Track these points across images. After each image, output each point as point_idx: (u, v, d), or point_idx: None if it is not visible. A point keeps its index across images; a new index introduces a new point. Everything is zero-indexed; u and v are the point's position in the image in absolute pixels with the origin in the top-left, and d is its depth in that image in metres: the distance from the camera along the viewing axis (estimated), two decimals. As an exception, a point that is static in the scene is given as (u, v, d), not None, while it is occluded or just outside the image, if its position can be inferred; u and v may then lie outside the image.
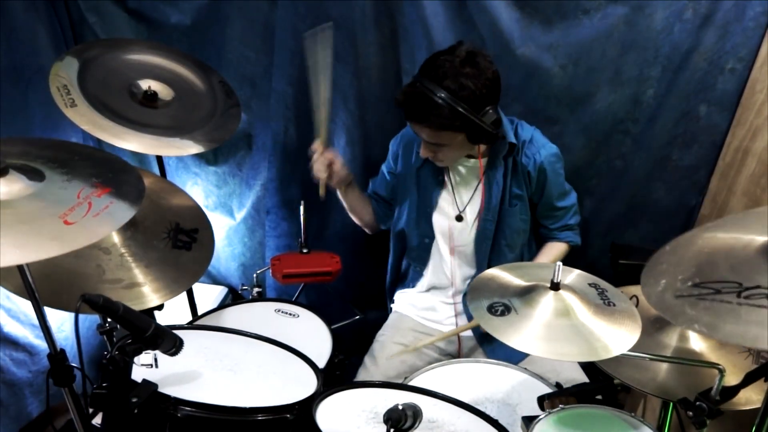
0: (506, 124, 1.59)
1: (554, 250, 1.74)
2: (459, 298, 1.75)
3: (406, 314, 1.82)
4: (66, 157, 1.12)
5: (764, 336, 0.80)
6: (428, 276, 1.79)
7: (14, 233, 0.91)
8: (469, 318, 1.72)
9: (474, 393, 1.39)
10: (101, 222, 0.98)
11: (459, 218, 1.67)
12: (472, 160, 1.64)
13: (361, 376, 1.66)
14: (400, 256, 1.86)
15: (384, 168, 1.83)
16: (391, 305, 1.90)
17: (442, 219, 1.69)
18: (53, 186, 1.02)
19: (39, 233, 0.93)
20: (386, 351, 1.69)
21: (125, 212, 1.04)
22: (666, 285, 0.96)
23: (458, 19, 1.75)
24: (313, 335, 1.56)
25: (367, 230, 1.93)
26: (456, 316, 1.75)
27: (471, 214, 1.67)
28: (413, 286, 1.83)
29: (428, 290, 1.80)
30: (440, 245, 1.73)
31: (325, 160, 1.65)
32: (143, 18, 1.98)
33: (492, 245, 1.67)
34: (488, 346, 1.69)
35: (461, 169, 1.66)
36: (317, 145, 1.66)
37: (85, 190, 1.03)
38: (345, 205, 1.83)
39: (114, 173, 1.13)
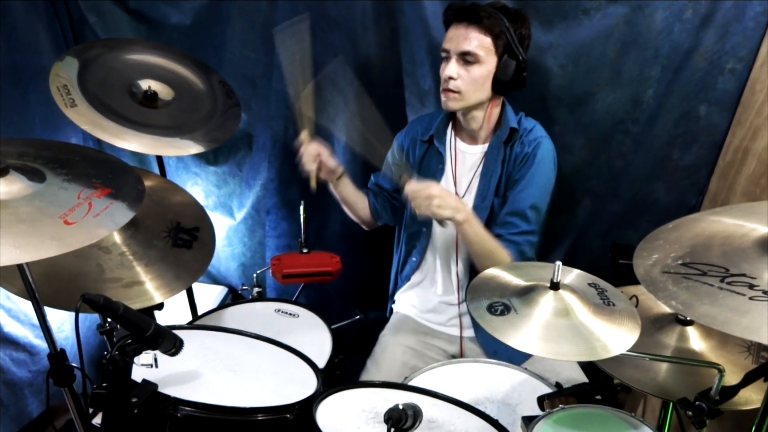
0: (510, 113, 1.63)
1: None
2: (461, 295, 1.73)
3: (407, 315, 1.81)
4: (66, 158, 1.12)
5: (734, 321, 0.82)
6: (423, 269, 1.78)
7: (14, 233, 0.91)
8: (473, 320, 1.71)
9: (474, 393, 1.39)
10: (101, 222, 0.99)
11: None
12: (474, 147, 1.65)
13: (363, 378, 1.65)
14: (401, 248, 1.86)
15: (389, 159, 1.80)
16: (392, 305, 1.90)
17: None
18: (53, 186, 1.03)
19: (39, 233, 0.93)
20: (388, 353, 1.69)
21: (125, 213, 1.04)
22: (657, 260, 0.99)
23: (458, 19, 1.75)
24: (313, 335, 1.56)
25: (364, 227, 1.91)
26: (460, 317, 1.74)
27: (470, 201, 1.66)
28: (408, 280, 1.82)
29: (425, 288, 1.79)
30: (437, 236, 1.72)
31: (313, 151, 1.64)
32: (143, 18, 1.98)
33: None
34: (489, 348, 1.69)
35: (463, 155, 1.66)
36: (303, 137, 1.66)
37: (86, 191, 1.03)
38: (338, 198, 1.81)
39: (114, 174, 1.13)
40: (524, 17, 1.51)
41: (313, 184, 1.68)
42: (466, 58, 1.49)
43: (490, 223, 1.64)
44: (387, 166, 1.67)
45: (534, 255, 1.63)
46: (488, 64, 1.50)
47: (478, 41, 1.47)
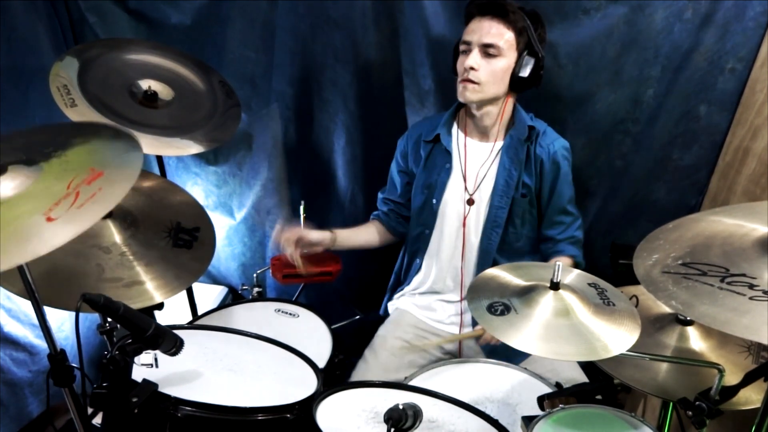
0: (523, 113, 1.64)
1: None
2: (463, 294, 1.72)
3: (407, 311, 1.81)
4: (65, 141, 1.09)
5: (734, 321, 0.82)
6: (425, 269, 1.77)
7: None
8: (472, 319, 1.71)
9: (474, 393, 1.39)
10: (84, 213, 0.93)
11: (470, 201, 1.66)
12: (485, 144, 1.65)
13: (361, 368, 1.65)
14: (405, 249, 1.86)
15: (393, 169, 1.82)
16: (388, 303, 1.89)
17: (449, 206, 1.68)
18: (48, 177, 0.98)
19: (18, 236, 0.88)
20: (387, 345, 1.69)
21: (112, 197, 0.97)
22: (657, 260, 1.00)
23: (458, 18, 1.75)
24: (313, 335, 1.56)
25: (386, 245, 1.90)
26: (461, 314, 1.74)
27: (482, 198, 1.65)
28: (409, 282, 1.82)
29: (426, 287, 1.78)
30: (442, 236, 1.71)
31: (292, 238, 1.65)
32: (143, 18, 1.98)
33: (503, 235, 1.65)
34: (487, 347, 1.68)
35: (473, 153, 1.66)
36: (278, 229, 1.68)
37: (77, 179, 0.97)
38: (346, 249, 1.80)
39: (113, 152, 1.07)
40: (542, 21, 1.54)
41: (300, 267, 1.69)
42: (488, 51, 1.50)
43: (509, 222, 1.65)
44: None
45: (582, 233, 1.74)
46: (509, 58, 1.51)
47: (501, 35, 1.49)
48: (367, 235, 1.85)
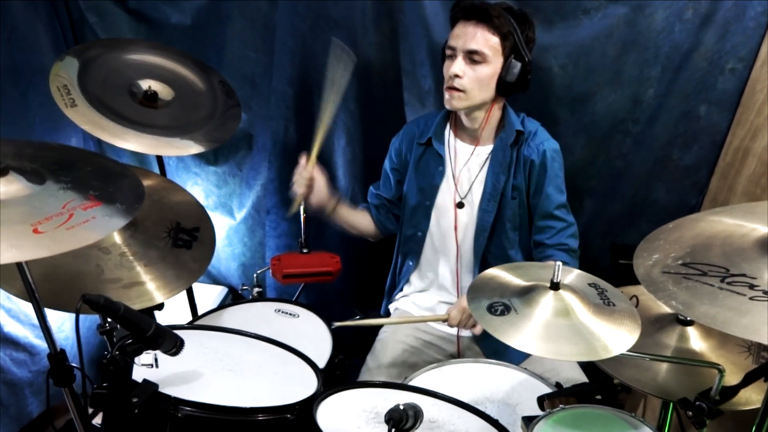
0: (513, 116, 1.63)
1: None
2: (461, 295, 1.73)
3: (408, 312, 1.81)
4: (71, 162, 1.10)
5: (734, 321, 0.83)
6: (420, 271, 1.78)
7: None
8: None
9: (474, 393, 1.39)
10: (72, 235, 0.94)
11: (460, 205, 1.66)
12: (476, 148, 1.64)
13: (364, 376, 1.65)
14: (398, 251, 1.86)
15: (387, 166, 1.82)
16: (389, 305, 1.90)
17: (442, 209, 1.68)
18: (45, 193, 1.00)
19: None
20: (388, 350, 1.69)
21: (103, 229, 1.00)
22: (657, 260, 1.00)
23: (458, 19, 1.76)
24: (313, 335, 1.56)
25: (370, 239, 1.91)
26: None
27: (473, 202, 1.66)
28: (407, 282, 1.82)
29: (423, 290, 1.79)
30: (435, 238, 1.71)
31: (307, 175, 1.65)
32: (143, 18, 1.99)
33: (490, 237, 1.65)
34: (488, 347, 1.69)
35: (464, 157, 1.66)
36: (305, 160, 1.66)
37: (74, 202, 1.00)
38: (339, 224, 1.81)
39: (116, 189, 1.10)
40: (530, 20, 1.52)
41: (292, 209, 1.72)
42: (473, 57, 1.49)
43: (496, 224, 1.64)
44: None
45: (578, 243, 1.68)
46: (494, 64, 1.50)
47: (486, 40, 1.47)
48: (362, 218, 1.85)
